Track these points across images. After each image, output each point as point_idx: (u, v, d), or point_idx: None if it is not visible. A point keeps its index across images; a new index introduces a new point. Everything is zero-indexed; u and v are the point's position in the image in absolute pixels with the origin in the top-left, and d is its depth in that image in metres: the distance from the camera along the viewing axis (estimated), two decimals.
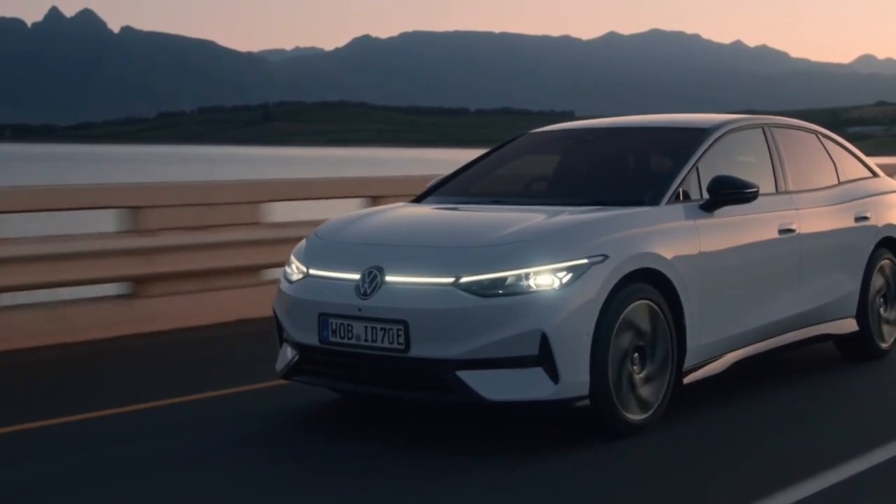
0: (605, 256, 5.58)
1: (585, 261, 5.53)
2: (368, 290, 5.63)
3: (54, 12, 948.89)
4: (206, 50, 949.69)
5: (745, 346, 6.54)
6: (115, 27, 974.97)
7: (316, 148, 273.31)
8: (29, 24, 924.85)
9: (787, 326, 6.91)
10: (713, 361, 6.29)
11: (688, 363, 6.07)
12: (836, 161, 7.82)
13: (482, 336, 5.36)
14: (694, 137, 6.71)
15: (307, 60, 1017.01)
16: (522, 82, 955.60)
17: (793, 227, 6.93)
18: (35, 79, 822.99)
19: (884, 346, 7.85)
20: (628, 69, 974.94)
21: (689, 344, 6.04)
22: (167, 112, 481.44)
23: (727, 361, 6.39)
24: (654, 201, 6.16)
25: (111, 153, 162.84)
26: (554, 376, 5.39)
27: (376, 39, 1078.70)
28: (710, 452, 5.62)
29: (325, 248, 6.17)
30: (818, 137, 7.84)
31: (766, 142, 7.18)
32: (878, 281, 7.77)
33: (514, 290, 5.42)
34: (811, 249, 7.08)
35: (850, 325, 7.55)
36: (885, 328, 7.88)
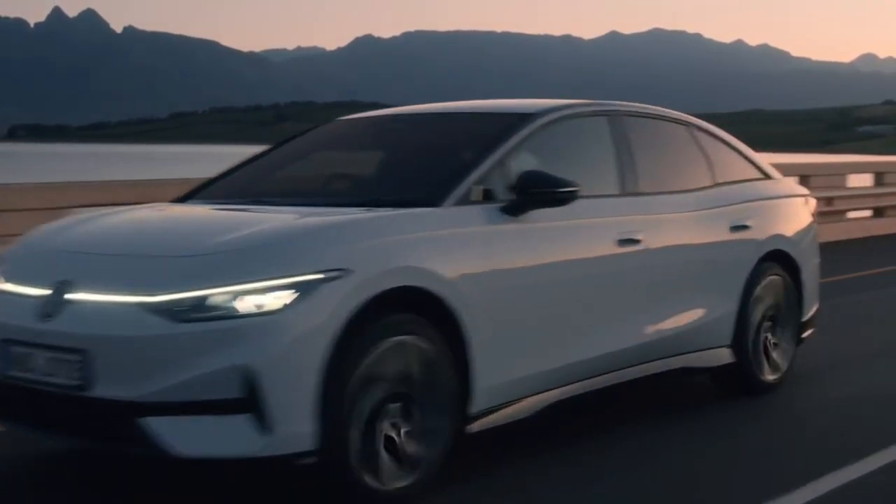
0: (347, 271, 4.30)
1: (318, 276, 4.24)
2: (52, 311, 4.37)
3: (57, 12, 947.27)
4: (208, 50, 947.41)
5: (564, 385, 5.25)
6: (117, 27, 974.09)
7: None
8: (32, 25, 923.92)
9: (629, 360, 5.61)
10: (513, 405, 5.00)
11: (476, 408, 4.79)
12: (711, 159, 6.52)
13: (176, 373, 4.09)
14: (509, 125, 5.43)
15: (309, 60, 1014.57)
16: (524, 82, 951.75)
17: (638, 237, 5.64)
18: (38, 79, 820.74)
19: (771, 378, 6.56)
20: (630, 69, 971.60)
21: (478, 384, 4.76)
22: (179, 112, 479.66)
23: (535, 405, 5.10)
24: (436, 201, 4.86)
25: (150, 153, 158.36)
26: (264, 426, 4.11)
27: (378, 39, 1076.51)
28: None
29: (24, 257, 4.91)
30: (689, 131, 6.53)
31: (612, 133, 5.87)
32: (761, 303, 6.49)
33: (217, 315, 4.14)
34: (664, 265, 5.80)
35: (723, 356, 6.27)
36: (776, 355, 6.61)
